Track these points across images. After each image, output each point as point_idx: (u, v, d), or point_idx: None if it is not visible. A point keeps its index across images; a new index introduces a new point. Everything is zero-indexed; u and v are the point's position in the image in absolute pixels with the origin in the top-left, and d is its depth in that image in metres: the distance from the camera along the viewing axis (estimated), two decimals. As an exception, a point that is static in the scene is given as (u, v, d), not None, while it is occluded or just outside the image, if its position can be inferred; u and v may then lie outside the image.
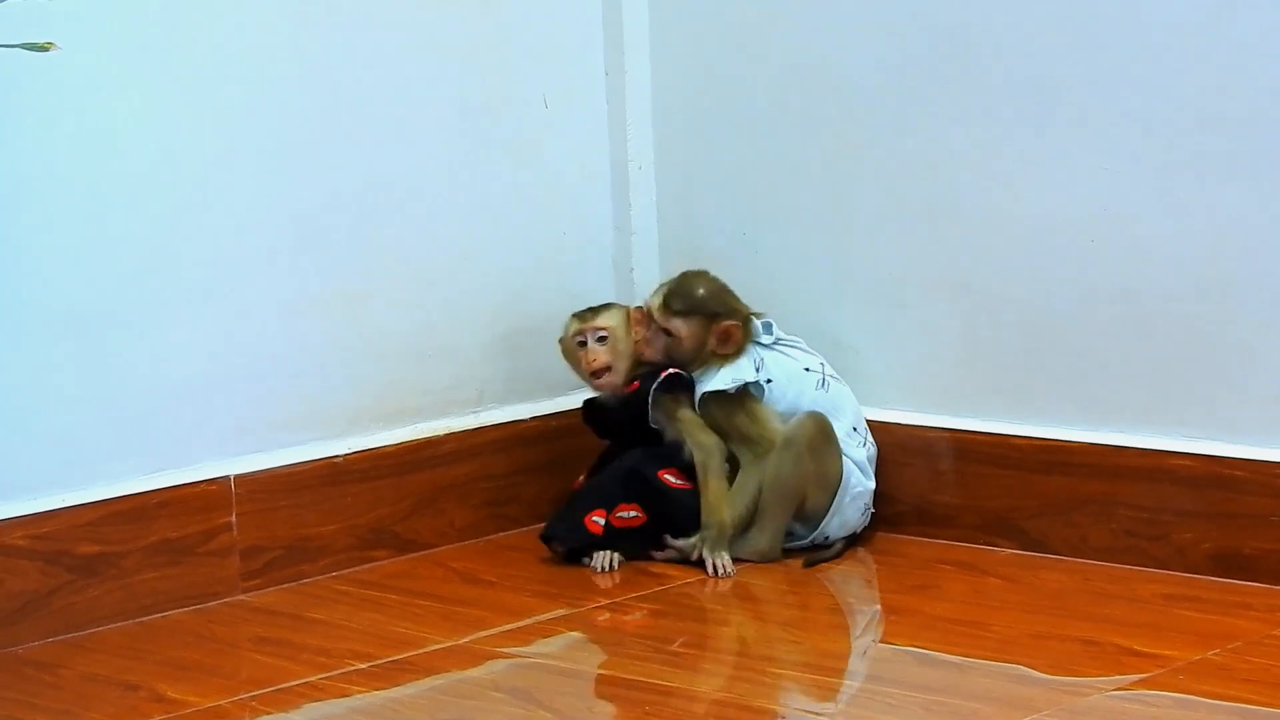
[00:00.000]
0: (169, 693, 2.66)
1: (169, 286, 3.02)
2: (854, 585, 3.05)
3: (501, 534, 3.31)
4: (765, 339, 3.21)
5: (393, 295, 3.26)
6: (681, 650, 2.80)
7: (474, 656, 2.78)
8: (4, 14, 2.54)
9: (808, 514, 3.16)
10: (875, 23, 3.23)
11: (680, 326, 3.18)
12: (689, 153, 3.47)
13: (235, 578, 3.05)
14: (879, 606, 2.95)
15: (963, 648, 2.72)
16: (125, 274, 2.98)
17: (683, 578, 3.09)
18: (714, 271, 3.27)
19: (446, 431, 3.29)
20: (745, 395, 3.16)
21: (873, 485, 3.19)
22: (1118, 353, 3.05)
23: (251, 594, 3.06)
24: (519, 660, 2.77)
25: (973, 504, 3.18)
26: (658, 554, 3.14)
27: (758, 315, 3.22)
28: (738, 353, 3.17)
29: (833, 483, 3.14)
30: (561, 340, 3.27)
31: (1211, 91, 2.93)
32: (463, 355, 3.34)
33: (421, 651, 2.79)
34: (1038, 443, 3.12)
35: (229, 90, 3.06)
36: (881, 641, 2.80)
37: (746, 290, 3.34)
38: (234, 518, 3.05)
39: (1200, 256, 2.97)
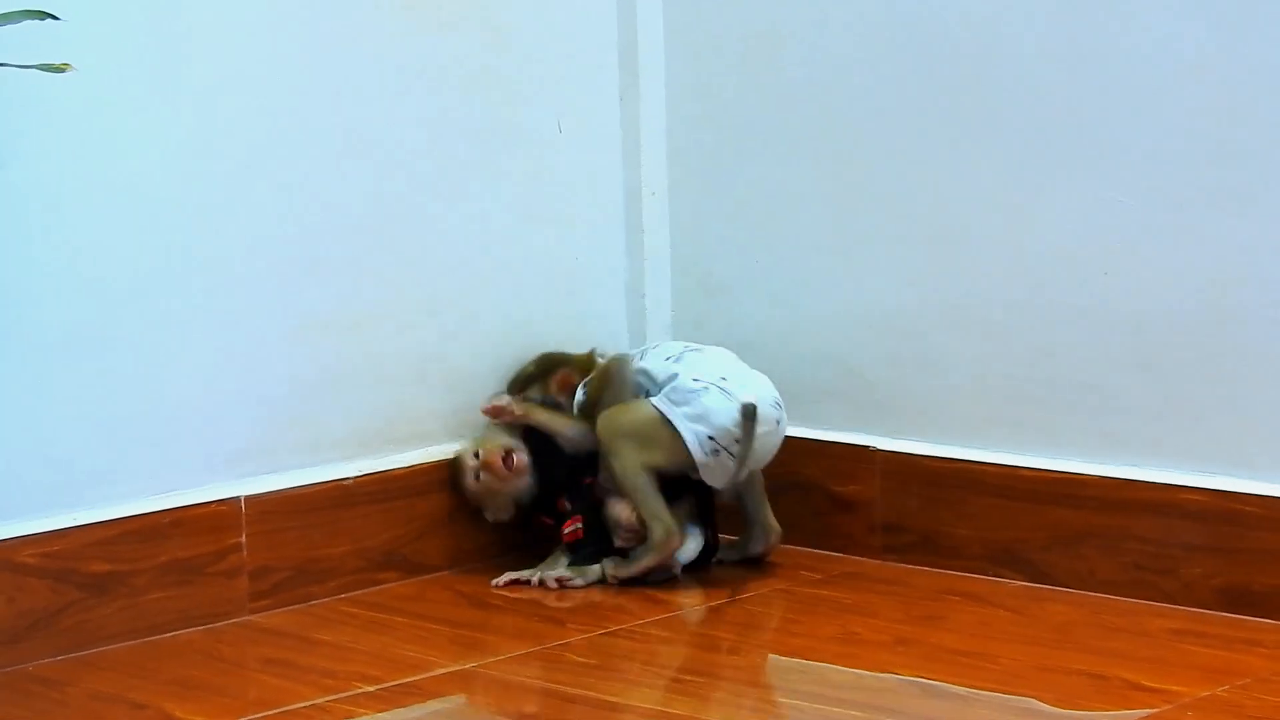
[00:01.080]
0: (176, 712, 2.66)
1: (179, 306, 3.02)
2: (859, 614, 3.04)
3: (509, 557, 3.29)
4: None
5: (403, 318, 3.26)
6: (688, 678, 2.80)
7: (482, 682, 2.77)
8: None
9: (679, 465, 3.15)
10: (888, 51, 3.23)
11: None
12: (702, 179, 3.47)
13: (244, 598, 3.05)
14: (885, 636, 2.94)
15: (969, 679, 2.72)
16: (135, 292, 2.98)
17: (693, 603, 3.09)
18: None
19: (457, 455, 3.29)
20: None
21: (701, 379, 3.13)
22: (1128, 384, 3.05)
23: (260, 614, 3.06)
24: (528, 686, 2.77)
25: (980, 535, 3.18)
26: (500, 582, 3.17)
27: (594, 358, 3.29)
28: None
29: (642, 422, 3.13)
30: (468, 492, 3.24)
31: (1225, 122, 2.92)
32: (473, 379, 3.34)
33: (429, 675, 2.78)
34: (1046, 474, 3.11)
35: (237, 111, 3.06)
36: (887, 671, 2.79)
37: (756, 317, 3.35)
38: (244, 538, 3.05)
39: (1213, 287, 2.96)
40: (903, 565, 3.25)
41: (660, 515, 3.14)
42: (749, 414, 3.13)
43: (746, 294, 3.43)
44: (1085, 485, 3.07)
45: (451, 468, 3.24)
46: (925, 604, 3.06)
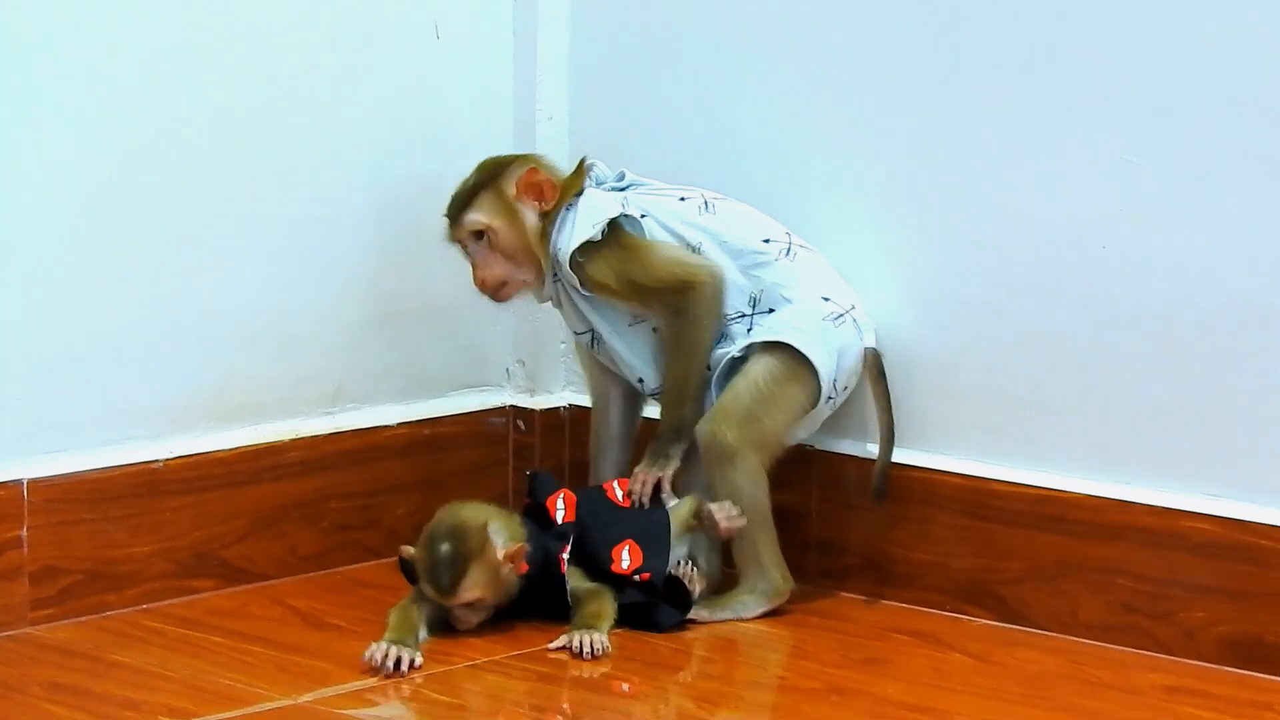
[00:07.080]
0: (-68, 749, 2.68)
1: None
2: (787, 655, 3.10)
3: (356, 566, 3.38)
4: (614, 184, 3.23)
5: (233, 265, 3.30)
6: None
7: (315, 720, 2.81)
8: None
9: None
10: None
11: (476, 219, 3.21)
12: (612, 101, 3.52)
13: (23, 606, 3.10)
14: (817, 683, 2.97)
15: (919, 741, 2.75)
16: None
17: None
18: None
19: (293, 436, 3.37)
20: (623, 238, 3.16)
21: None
22: (1131, 386, 3.10)
23: (42, 627, 3.10)
24: (371, 729, 2.79)
25: (940, 561, 3.24)
26: None
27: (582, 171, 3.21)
28: (568, 194, 3.18)
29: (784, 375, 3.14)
30: (481, 584, 3.11)
31: (1263, 78, 2.95)
32: (317, 342, 3.40)
33: (250, 710, 2.83)
34: (1024, 490, 3.18)
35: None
36: (819, 727, 2.81)
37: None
38: (24, 531, 3.10)
39: (1242, 273, 2.99)
40: (842, 594, 3.31)
41: (779, 558, 3.20)
42: (876, 365, 3.19)
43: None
44: (1070, 506, 3.14)
45: (470, 537, 3.07)
46: (868, 644, 3.12)
